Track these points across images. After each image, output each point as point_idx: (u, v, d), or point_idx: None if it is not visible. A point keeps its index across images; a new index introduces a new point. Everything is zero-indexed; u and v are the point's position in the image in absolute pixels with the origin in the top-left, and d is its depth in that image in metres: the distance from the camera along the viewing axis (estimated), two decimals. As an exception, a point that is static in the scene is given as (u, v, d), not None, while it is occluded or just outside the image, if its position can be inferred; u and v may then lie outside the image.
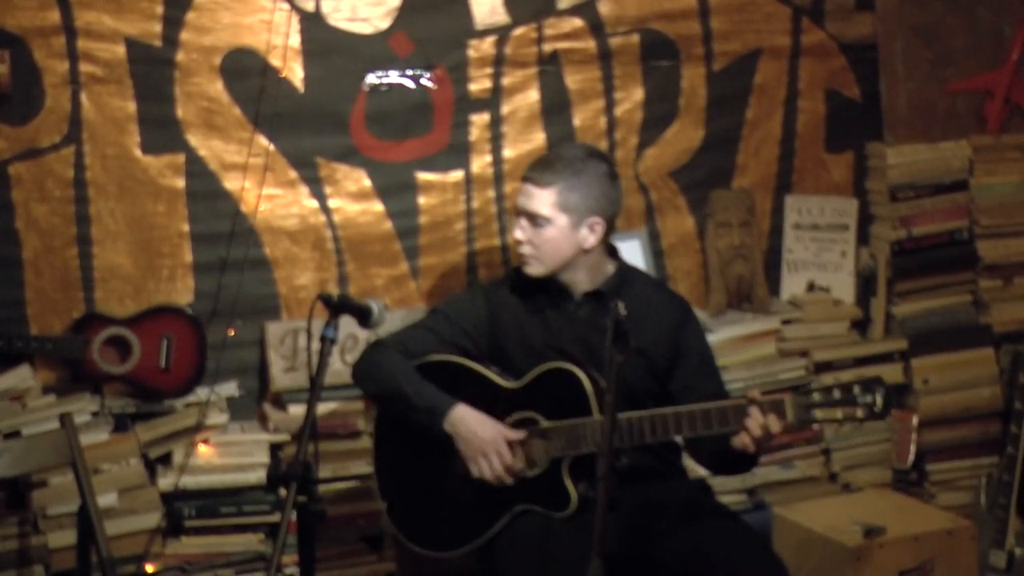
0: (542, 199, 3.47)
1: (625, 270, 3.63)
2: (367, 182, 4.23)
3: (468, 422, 3.44)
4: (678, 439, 3.49)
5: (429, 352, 3.59)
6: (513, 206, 3.62)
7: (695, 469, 3.72)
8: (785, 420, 3.21)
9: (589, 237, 3.50)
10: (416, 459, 3.56)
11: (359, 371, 3.65)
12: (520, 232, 3.52)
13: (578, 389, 3.37)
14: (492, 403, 3.49)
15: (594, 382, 3.36)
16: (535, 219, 3.49)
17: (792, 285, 4.58)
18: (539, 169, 3.52)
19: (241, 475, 4.00)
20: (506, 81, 4.29)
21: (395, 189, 4.25)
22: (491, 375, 3.54)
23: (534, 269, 3.53)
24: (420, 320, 3.74)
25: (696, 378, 3.53)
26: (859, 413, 3.13)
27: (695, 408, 3.30)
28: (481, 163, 4.31)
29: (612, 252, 3.62)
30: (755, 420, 3.21)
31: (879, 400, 3.12)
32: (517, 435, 3.44)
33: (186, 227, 4.12)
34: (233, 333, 4.14)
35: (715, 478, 3.89)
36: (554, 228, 3.48)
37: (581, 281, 3.55)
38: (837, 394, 3.16)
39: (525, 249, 3.52)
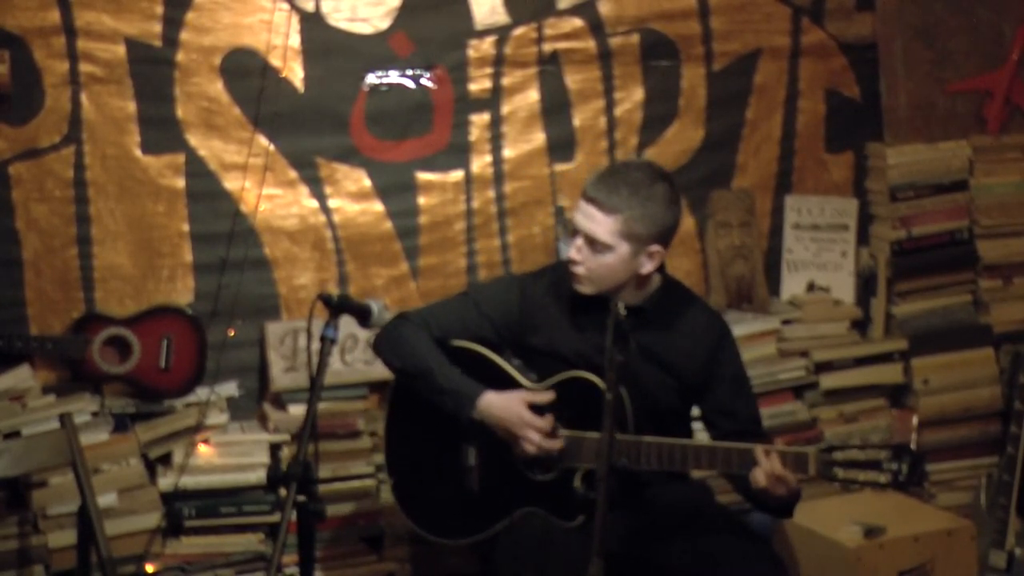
0: (606, 226, 3.32)
1: (670, 286, 3.53)
2: (367, 182, 4.23)
3: (493, 410, 3.39)
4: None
5: (451, 336, 3.53)
6: (570, 222, 3.43)
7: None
8: (807, 474, 3.18)
9: (647, 264, 3.38)
10: (430, 441, 3.54)
11: (384, 342, 3.56)
12: (576, 253, 3.38)
13: (601, 403, 3.23)
14: None
15: (619, 399, 3.22)
16: (595, 244, 3.35)
17: (792, 285, 4.58)
18: (605, 191, 3.32)
19: (241, 475, 4.00)
20: (506, 81, 4.29)
21: (395, 189, 4.25)
22: (513, 372, 3.49)
23: (585, 289, 3.41)
24: (448, 301, 3.66)
25: (730, 401, 3.47)
26: (882, 479, 3.12)
27: (703, 445, 3.28)
28: (481, 163, 4.31)
29: (659, 266, 3.48)
30: (763, 469, 3.17)
31: (905, 468, 3.10)
32: (540, 396, 3.40)
33: (186, 227, 4.12)
34: (233, 333, 4.14)
35: (717, 479, 3.88)
36: (614, 256, 3.34)
37: (626, 296, 3.40)
38: (863, 457, 3.14)
39: (579, 270, 3.39)
